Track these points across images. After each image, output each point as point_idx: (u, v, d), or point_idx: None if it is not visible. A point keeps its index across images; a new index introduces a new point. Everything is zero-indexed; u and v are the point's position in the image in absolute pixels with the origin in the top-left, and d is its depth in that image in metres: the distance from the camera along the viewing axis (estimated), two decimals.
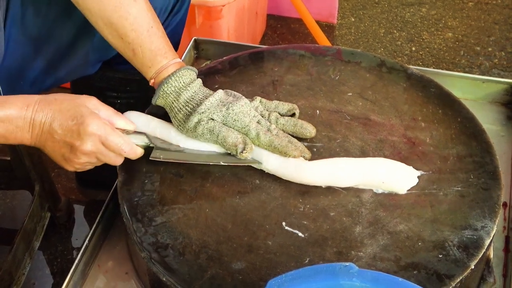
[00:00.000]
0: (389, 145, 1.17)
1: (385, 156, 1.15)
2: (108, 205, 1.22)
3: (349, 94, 1.28)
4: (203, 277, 0.99)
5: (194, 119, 1.12)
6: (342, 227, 1.05)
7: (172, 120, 1.16)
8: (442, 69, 2.30)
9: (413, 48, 2.50)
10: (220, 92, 1.15)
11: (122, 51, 1.19)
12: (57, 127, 1.04)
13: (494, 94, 1.46)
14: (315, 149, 1.16)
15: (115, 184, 1.19)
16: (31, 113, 1.03)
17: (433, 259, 0.99)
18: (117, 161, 1.11)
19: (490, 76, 2.05)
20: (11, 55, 1.23)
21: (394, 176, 1.10)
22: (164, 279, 1.00)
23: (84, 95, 1.09)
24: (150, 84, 1.19)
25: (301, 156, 1.12)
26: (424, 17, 2.64)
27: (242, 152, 1.11)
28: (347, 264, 0.82)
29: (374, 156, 1.15)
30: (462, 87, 1.46)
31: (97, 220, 1.19)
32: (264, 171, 1.13)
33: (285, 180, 1.11)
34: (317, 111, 1.24)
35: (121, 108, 1.55)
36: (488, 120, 1.37)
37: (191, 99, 1.14)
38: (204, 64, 1.52)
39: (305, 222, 1.06)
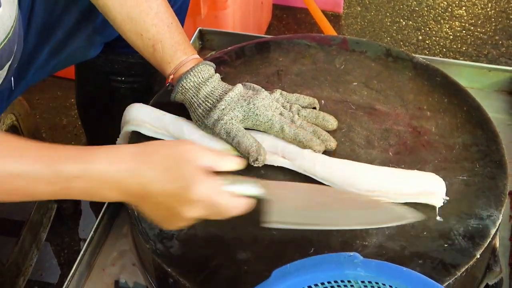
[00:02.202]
0: (394, 134, 1.17)
1: (390, 146, 1.14)
2: None
3: (354, 83, 1.27)
4: (208, 268, 0.99)
5: (214, 115, 1.09)
6: None
7: (192, 115, 1.14)
8: (449, 58, 2.29)
9: (420, 37, 2.49)
10: (239, 86, 1.13)
11: (141, 47, 1.17)
12: (156, 190, 0.87)
13: (501, 83, 1.45)
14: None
15: None
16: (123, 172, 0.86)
17: (438, 249, 0.99)
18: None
19: (498, 65, 2.04)
20: (21, 47, 1.23)
21: (429, 188, 1.04)
22: (169, 270, 1.00)
23: (179, 141, 0.99)
24: (169, 81, 1.17)
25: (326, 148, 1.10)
26: (430, 6, 2.63)
27: (253, 162, 1.08)
28: (351, 254, 0.81)
29: (379, 146, 1.14)
30: (468, 76, 1.45)
31: (102, 211, 1.20)
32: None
33: (290, 169, 1.11)
34: (322, 101, 1.23)
35: (126, 92, 1.56)
36: (494, 109, 1.37)
37: (211, 94, 1.12)
38: (209, 55, 1.52)
39: None
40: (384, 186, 1.04)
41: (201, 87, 1.13)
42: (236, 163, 0.93)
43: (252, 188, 0.91)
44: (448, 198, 1.04)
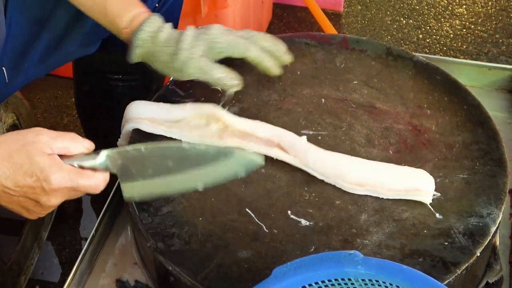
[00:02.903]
0: (394, 133, 1.17)
1: (390, 144, 1.15)
2: (114, 196, 1.22)
3: (354, 82, 1.27)
4: (209, 266, 1.00)
5: (181, 57, 1.12)
6: (347, 215, 1.05)
7: (155, 65, 1.16)
8: (449, 57, 2.30)
9: (420, 36, 2.49)
10: (190, 27, 1.16)
11: (93, 8, 1.19)
12: (12, 185, 0.91)
13: (501, 81, 1.45)
14: (320, 137, 1.16)
15: None
16: None
17: (438, 247, 0.99)
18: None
19: (498, 63, 2.04)
20: (13, 38, 1.24)
21: (418, 185, 1.05)
22: (170, 268, 1.00)
23: (28, 130, 0.95)
24: (122, 38, 1.19)
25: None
26: (431, 4, 2.63)
27: (231, 87, 1.14)
28: (352, 252, 0.82)
29: (379, 144, 1.15)
30: (468, 74, 1.45)
31: (103, 210, 1.20)
32: (270, 160, 1.13)
33: (291, 168, 1.11)
34: (323, 100, 1.23)
35: (124, 91, 1.56)
36: (494, 107, 1.36)
37: (169, 39, 1.14)
38: None
39: (311, 211, 1.06)
40: (374, 181, 1.06)
41: (158, 34, 1.15)
42: (86, 146, 0.96)
43: (99, 159, 0.96)
44: (438, 194, 1.05)
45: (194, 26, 1.18)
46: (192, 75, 1.13)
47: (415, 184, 1.05)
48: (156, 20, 1.16)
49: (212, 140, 1.10)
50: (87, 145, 0.96)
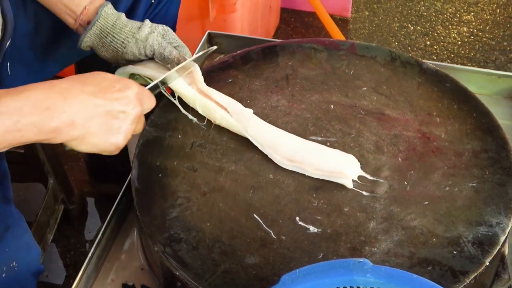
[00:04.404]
0: (403, 140, 1.17)
1: (399, 152, 1.14)
2: (121, 199, 1.22)
3: (363, 88, 1.27)
4: (216, 272, 0.99)
5: (146, 29, 1.20)
6: (356, 223, 1.04)
7: (116, 37, 1.21)
8: (456, 64, 2.29)
9: (428, 43, 2.49)
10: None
11: None
12: (102, 98, 1.00)
13: (510, 89, 1.45)
14: (328, 144, 1.16)
15: (128, 178, 1.19)
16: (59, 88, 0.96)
17: (447, 255, 0.99)
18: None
19: (506, 71, 2.04)
20: (15, 34, 1.25)
21: (342, 168, 1.10)
22: (177, 273, 1.00)
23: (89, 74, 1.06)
24: (81, 15, 1.22)
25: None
26: (438, 11, 2.63)
27: (178, 64, 1.19)
28: (361, 260, 0.81)
29: (388, 151, 1.14)
30: (477, 82, 1.45)
31: (110, 214, 1.20)
32: (278, 166, 1.13)
33: (299, 175, 1.11)
34: (331, 106, 1.23)
35: None
36: (503, 116, 1.36)
37: (131, 21, 1.22)
38: (217, 58, 1.52)
39: (319, 217, 1.05)
40: (303, 158, 1.12)
41: (121, 15, 1.22)
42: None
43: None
44: (358, 181, 1.10)
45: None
46: (150, 47, 1.20)
47: (340, 167, 1.10)
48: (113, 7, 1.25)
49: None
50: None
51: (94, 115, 0.98)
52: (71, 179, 1.85)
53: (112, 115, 1.00)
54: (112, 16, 1.21)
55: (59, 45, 1.38)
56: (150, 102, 1.08)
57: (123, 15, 1.23)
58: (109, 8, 1.21)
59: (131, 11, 1.36)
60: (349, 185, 1.09)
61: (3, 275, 1.07)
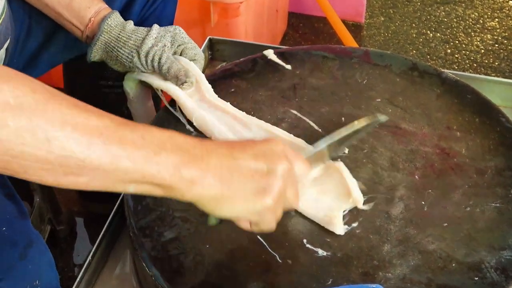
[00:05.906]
0: (421, 156, 1.17)
1: (416, 169, 1.15)
2: (113, 219, 1.22)
3: (377, 100, 1.28)
4: None
5: (149, 42, 1.24)
6: (368, 246, 1.05)
7: (120, 51, 1.25)
8: (480, 74, 2.30)
9: (448, 51, 2.50)
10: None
11: (58, 6, 1.26)
12: (240, 152, 0.89)
13: None
14: (339, 160, 1.16)
15: (120, 197, 1.20)
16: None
17: (468, 282, 0.99)
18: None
19: None
20: (13, 27, 1.27)
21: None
22: None
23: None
24: (87, 28, 1.26)
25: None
26: (460, 17, 2.64)
27: (182, 84, 1.23)
28: (374, 286, 0.82)
29: (404, 168, 1.15)
30: (502, 94, 1.45)
31: (101, 235, 1.20)
32: None
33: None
34: (343, 118, 1.24)
35: (117, 98, 1.58)
36: None
37: (137, 30, 1.26)
38: (219, 66, 1.53)
39: (328, 240, 1.06)
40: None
41: (126, 25, 1.26)
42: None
43: None
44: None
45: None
46: (151, 62, 1.24)
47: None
48: (119, 16, 1.28)
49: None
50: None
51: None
52: (58, 197, 1.85)
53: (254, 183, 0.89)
54: (115, 28, 1.25)
55: (49, 48, 1.40)
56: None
57: (129, 23, 1.26)
58: (113, 20, 1.25)
59: (126, 8, 1.37)
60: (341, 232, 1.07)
61: None
